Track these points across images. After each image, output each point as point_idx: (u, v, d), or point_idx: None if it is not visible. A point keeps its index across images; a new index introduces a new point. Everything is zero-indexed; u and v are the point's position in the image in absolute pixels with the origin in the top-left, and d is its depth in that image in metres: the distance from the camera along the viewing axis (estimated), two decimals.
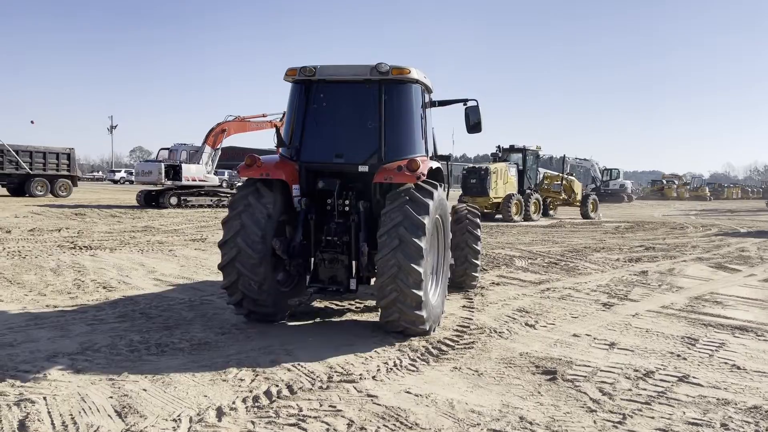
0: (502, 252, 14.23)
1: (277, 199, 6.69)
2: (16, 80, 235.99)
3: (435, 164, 7.02)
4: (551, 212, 29.30)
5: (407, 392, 4.94)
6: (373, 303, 7.41)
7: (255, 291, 6.56)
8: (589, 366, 5.68)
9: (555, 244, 16.41)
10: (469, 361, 5.81)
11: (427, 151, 7.20)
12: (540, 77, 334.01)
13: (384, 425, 4.27)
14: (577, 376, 5.40)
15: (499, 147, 27.73)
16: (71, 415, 4.31)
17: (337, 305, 7.94)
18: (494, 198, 24.74)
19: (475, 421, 4.36)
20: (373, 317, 7.27)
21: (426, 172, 6.48)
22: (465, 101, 7.79)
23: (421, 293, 6.08)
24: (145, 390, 4.84)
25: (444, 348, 6.19)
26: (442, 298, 7.08)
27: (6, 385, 4.83)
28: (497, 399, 4.83)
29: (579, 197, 29.37)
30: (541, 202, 27.05)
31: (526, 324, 7.24)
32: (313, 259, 6.91)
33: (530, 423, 4.32)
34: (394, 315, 6.25)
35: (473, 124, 7.75)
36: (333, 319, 7.32)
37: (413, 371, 5.49)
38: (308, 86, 7.04)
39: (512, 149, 27.34)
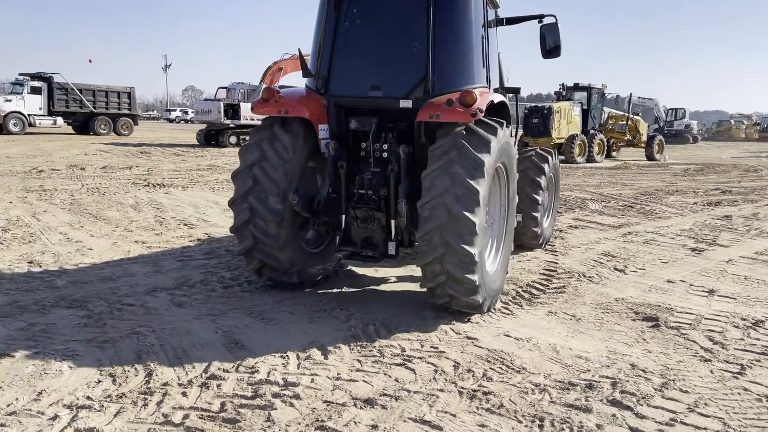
0: (572, 194, 13.83)
1: (300, 143, 5.51)
2: (71, 18, 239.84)
3: (499, 97, 5.65)
4: (614, 153, 28.33)
5: (506, 335, 4.87)
6: None
7: (275, 258, 5.53)
8: (691, 313, 5.47)
9: (624, 187, 15.87)
10: (564, 305, 5.68)
11: (489, 81, 5.79)
12: (601, 12, 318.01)
13: (491, 368, 4.22)
14: (682, 323, 5.20)
15: (563, 85, 26.66)
16: (182, 348, 4.42)
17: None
18: (557, 138, 23.94)
19: (584, 368, 4.26)
20: None
21: (485, 108, 5.12)
22: (540, 18, 6.26)
23: (474, 250, 4.83)
24: (247, 326, 4.92)
25: (534, 292, 6.07)
26: (504, 267, 5.80)
27: (115, 318, 4.99)
28: (602, 345, 4.70)
29: (644, 138, 28.20)
30: (605, 143, 26.12)
31: (615, 269, 7.01)
32: (344, 216, 5.68)
33: (643, 371, 4.19)
34: (439, 278, 5.01)
35: (550, 48, 6.23)
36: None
37: (508, 314, 5.40)
38: None
39: (576, 88, 26.26)
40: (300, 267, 5.75)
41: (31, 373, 3.92)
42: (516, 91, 6.82)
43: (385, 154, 5.57)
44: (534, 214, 7.44)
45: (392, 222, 5.49)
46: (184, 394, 3.72)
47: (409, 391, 3.84)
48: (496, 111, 5.64)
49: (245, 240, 5.53)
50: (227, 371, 4.05)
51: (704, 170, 22.17)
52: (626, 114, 28.05)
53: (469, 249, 4.82)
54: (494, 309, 5.47)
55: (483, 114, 5.08)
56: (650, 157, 27.62)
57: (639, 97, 43.67)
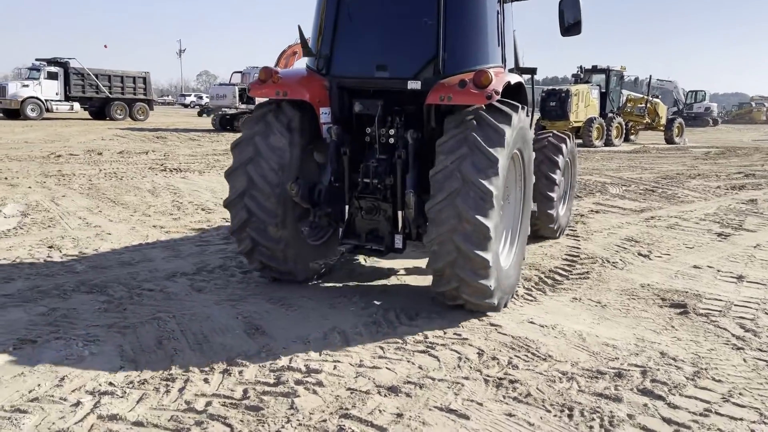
0: (591, 178, 13.63)
1: (301, 128, 5.10)
2: (87, 4, 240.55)
3: (516, 78, 5.20)
4: (632, 137, 27.92)
5: (531, 322, 4.78)
6: None
7: (278, 260, 5.27)
8: (720, 300, 5.34)
9: (645, 170, 15.62)
10: (588, 291, 5.57)
11: (504, 61, 5.36)
12: None
13: (516, 356, 4.13)
14: (711, 310, 5.08)
15: (581, 67, 26.23)
16: (203, 334, 4.38)
17: None
18: (574, 122, 23.60)
19: (612, 355, 4.16)
20: None
21: (501, 90, 4.69)
22: None
23: (488, 256, 4.48)
24: (267, 312, 4.88)
25: (558, 278, 5.96)
26: (518, 261, 5.40)
27: (135, 303, 4.96)
28: (629, 332, 4.59)
29: (663, 121, 27.75)
30: (624, 126, 25.73)
31: (639, 254, 6.87)
32: (347, 207, 5.31)
33: (674, 359, 4.08)
34: (451, 283, 4.69)
35: (569, 25, 5.64)
36: None
37: (531, 301, 5.31)
38: None
39: (595, 70, 25.80)
40: (302, 264, 5.43)
41: (53, 358, 3.90)
42: (532, 71, 6.33)
43: (391, 140, 5.11)
44: (550, 200, 7.02)
45: (399, 213, 5.14)
46: (206, 380, 3.68)
47: (433, 379, 3.76)
48: (513, 93, 5.18)
49: (254, 262, 5.41)
50: (249, 357, 4.00)
51: (726, 153, 21.80)
52: (645, 97, 27.56)
53: (484, 282, 4.58)
54: (517, 295, 5.37)
55: (499, 96, 4.66)
56: (669, 140, 27.22)
57: (658, 80, 42.87)
